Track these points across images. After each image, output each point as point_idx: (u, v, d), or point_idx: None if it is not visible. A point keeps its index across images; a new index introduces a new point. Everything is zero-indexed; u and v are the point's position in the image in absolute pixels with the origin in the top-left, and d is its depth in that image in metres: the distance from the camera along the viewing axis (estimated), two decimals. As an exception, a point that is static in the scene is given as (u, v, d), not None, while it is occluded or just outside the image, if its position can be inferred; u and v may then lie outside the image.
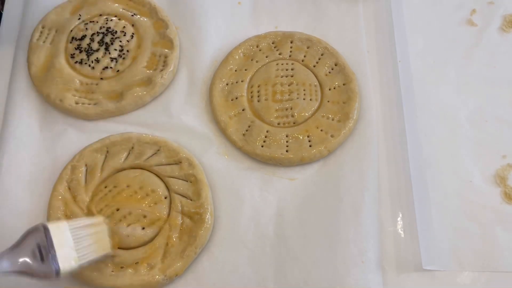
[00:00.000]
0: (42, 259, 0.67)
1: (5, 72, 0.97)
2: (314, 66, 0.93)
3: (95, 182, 0.85)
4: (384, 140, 0.89)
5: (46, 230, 0.69)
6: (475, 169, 0.86)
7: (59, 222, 0.73)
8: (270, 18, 1.01)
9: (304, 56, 0.94)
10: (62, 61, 0.95)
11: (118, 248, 0.80)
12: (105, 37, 0.96)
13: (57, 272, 0.67)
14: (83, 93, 0.92)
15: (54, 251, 0.68)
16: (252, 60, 0.95)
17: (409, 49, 0.97)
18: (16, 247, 0.68)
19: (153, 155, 0.87)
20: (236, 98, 0.91)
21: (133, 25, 0.98)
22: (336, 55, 0.94)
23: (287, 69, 0.93)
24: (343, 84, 0.91)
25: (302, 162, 0.86)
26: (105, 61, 0.94)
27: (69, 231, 0.71)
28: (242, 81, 0.93)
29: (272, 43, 0.96)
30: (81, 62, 0.94)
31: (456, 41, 0.98)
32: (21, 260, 0.66)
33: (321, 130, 0.87)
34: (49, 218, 0.82)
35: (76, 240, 0.71)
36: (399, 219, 0.84)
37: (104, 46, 0.95)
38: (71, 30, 0.98)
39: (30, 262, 0.67)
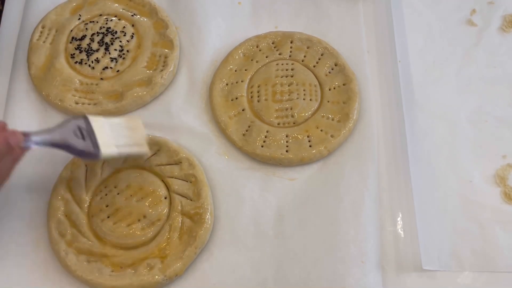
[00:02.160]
0: (83, 138, 0.71)
1: (5, 72, 0.97)
2: (314, 66, 0.93)
3: (95, 182, 0.85)
4: (384, 140, 0.89)
5: (86, 118, 0.73)
6: (475, 168, 0.86)
7: (99, 116, 0.75)
8: (270, 18, 1.01)
9: (304, 56, 0.94)
10: (62, 61, 0.95)
11: (118, 248, 0.80)
12: (105, 37, 0.96)
13: (98, 152, 0.71)
14: (83, 93, 0.92)
15: (95, 136, 0.72)
16: (252, 60, 0.95)
17: (409, 49, 0.97)
18: (58, 126, 0.71)
19: (153, 155, 0.87)
20: (236, 98, 0.91)
21: (133, 25, 0.98)
22: (336, 55, 0.94)
23: (287, 69, 0.93)
24: (343, 84, 0.91)
25: (302, 162, 0.86)
26: (105, 61, 0.94)
27: (108, 125, 0.75)
28: (242, 81, 0.93)
29: (272, 43, 0.96)
30: (81, 62, 0.94)
31: (456, 41, 0.98)
32: (64, 134, 0.70)
33: (321, 130, 0.87)
34: (49, 218, 0.82)
35: (114, 134, 0.75)
36: (399, 219, 0.84)
37: (104, 46, 0.95)
38: (71, 30, 0.98)
39: (73, 137, 0.70)
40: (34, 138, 0.69)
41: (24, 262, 0.81)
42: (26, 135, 0.68)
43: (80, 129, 0.72)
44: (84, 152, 0.72)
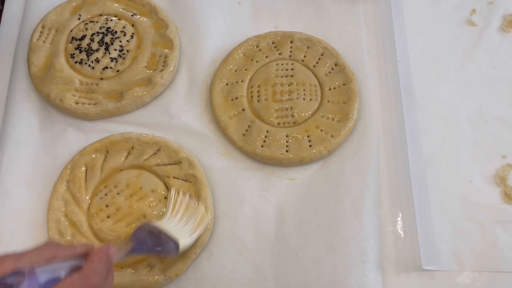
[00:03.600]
0: (158, 238, 0.73)
1: (5, 72, 0.97)
2: (314, 66, 0.93)
3: (95, 181, 0.85)
4: (384, 141, 0.89)
5: (149, 223, 0.75)
6: (475, 169, 0.86)
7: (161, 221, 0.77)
8: (270, 18, 1.01)
9: (304, 56, 0.94)
10: (62, 61, 0.95)
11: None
12: (105, 37, 0.96)
13: (177, 246, 0.73)
14: (83, 93, 0.92)
15: (166, 233, 0.74)
16: (252, 60, 0.95)
17: (409, 49, 0.96)
18: (131, 238, 0.73)
19: (153, 155, 0.87)
20: (236, 98, 0.91)
21: (133, 25, 0.98)
22: (336, 55, 0.94)
23: (287, 69, 0.93)
24: (343, 84, 0.91)
25: (302, 162, 0.86)
26: (105, 61, 0.94)
27: (167, 222, 0.77)
28: (242, 81, 0.93)
29: (272, 43, 0.96)
30: (81, 62, 0.94)
31: (456, 41, 0.98)
32: (142, 240, 0.72)
33: (321, 130, 0.87)
34: (49, 218, 0.82)
35: (181, 224, 0.77)
36: (399, 219, 0.84)
37: (104, 46, 0.95)
38: (71, 30, 0.98)
39: (148, 239, 0.73)
40: (119, 253, 0.69)
41: (24, 262, 0.81)
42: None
43: (150, 232, 0.74)
44: (167, 251, 0.74)
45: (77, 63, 0.94)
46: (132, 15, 0.99)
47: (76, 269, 0.60)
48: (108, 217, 0.82)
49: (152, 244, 0.73)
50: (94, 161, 0.86)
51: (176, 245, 0.73)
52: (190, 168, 0.85)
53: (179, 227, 0.77)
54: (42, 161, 0.88)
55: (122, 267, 0.79)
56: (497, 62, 0.95)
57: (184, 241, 0.75)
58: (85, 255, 0.62)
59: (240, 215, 0.83)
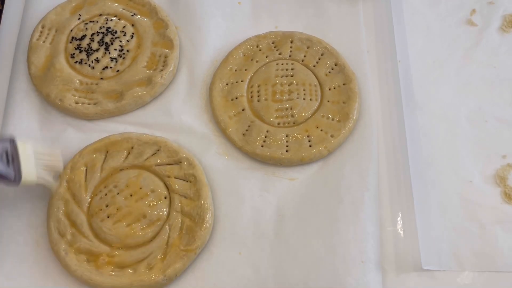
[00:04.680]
0: (7, 163, 0.71)
1: (5, 72, 0.97)
2: (314, 66, 0.93)
3: (95, 181, 0.85)
4: (384, 141, 0.89)
5: (13, 142, 0.73)
6: (475, 169, 0.86)
7: (26, 141, 0.76)
8: (270, 18, 1.01)
9: (304, 56, 0.94)
10: (62, 61, 0.95)
11: (118, 248, 0.80)
12: (105, 37, 0.96)
13: (19, 179, 0.72)
14: (83, 93, 0.92)
15: (19, 162, 0.72)
16: (252, 60, 0.95)
17: (409, 49, 0.97)
18: None
19: (153, 154, 0.87)
20: (236, 98, 0.91)
21: (133, 25, 0.98)
22: (336, 55, 0.94)
23: (287, 69, 0.93)
24: (343, 84, 0.91)
25: (302, 162, 0.86)
26: (105, 61, 0.94)
27: (33, 152, 0.76)
28: (242, 81, 0.93)
29: (272, 43, 0.96)
30: (81, 62, 0.94)
31: (456, 41, 0.98)
32: None
33: (321, 130, 0.87)
34: (49, 217, 0.82)
35: (36, 162, 0.76)
36: (399, 219, 0.84)
37: (104, 46, 0.95)
38: (71, 30, 0.98)
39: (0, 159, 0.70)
40: None
41: (24, 262, 0.81)
42: None
43: (6, 153, 0.71)
44: (5, 177, 0.72)
45: (77, 63, 0.94)
46: (132, 15, 0.99)
47: None
48: (108, 216, 0.82)
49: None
50: (94, 161, 0.86)
51: (18, 180, 0.72)
52: (190, 168, 0.85)
53: (34, 162, 0.74)
54: (42, 160, 0.88)
55: (122, 267, 0.78)
56: (497, 62, 0.95)
57: (28, 178, 0.73)
58: None
59: (240, 215, 0.83)
